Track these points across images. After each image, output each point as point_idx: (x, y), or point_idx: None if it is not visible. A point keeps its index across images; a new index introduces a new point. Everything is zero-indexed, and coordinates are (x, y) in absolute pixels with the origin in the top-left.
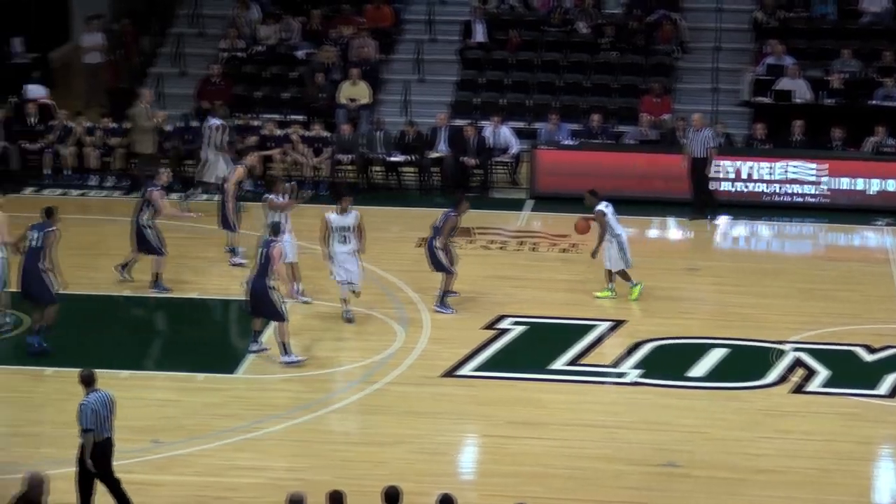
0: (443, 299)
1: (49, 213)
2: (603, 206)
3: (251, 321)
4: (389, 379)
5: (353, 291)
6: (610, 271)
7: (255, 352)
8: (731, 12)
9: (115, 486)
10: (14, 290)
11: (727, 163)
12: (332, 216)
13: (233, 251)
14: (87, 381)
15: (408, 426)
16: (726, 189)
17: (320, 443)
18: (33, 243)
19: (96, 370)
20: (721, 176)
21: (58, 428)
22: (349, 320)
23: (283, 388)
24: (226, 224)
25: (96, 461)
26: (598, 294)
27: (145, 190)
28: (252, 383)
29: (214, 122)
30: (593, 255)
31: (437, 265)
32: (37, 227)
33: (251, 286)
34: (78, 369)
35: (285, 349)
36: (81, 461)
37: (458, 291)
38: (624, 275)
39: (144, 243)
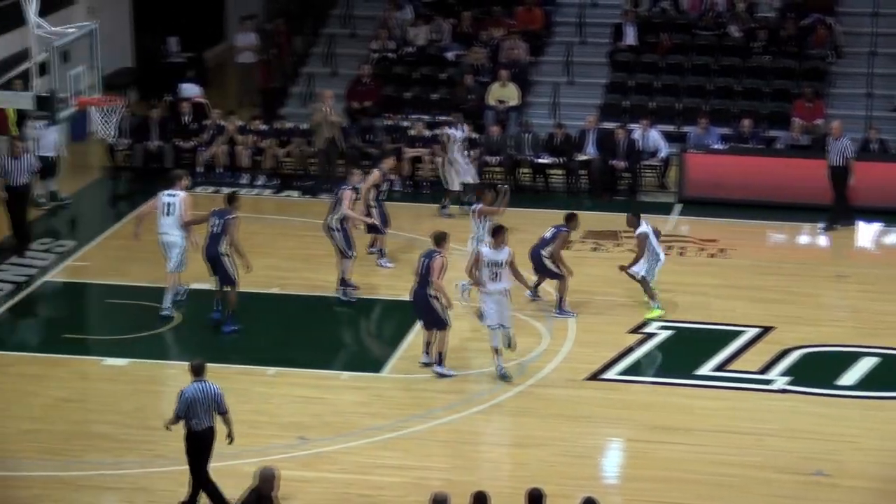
0: (561, 304)
1: (231, 199)
2: (644, 227)
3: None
4: (534, 381)
5: (509, 343)
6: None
7: (425, 364)
8: (888, 16)
9: (197, 478)
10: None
11: None
12: (485, 250)
13: (380, 252)
14: (195, 371)
15: (552, 429)
16: None
17: (464, 443)
18: (214, 229)
19: (243, 366)
20: None
21: None
22: (504, 377)
23: (428, 389)
24: (371, 227)
25: (192, 450)
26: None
27: (338, 190)
28: (397, 383)
29: (452, 131)
30: (624, 270)
31: (546, 273)
32: (218, 214)
33: (413, 295)
34: (230, 365)
35: (441, 359)
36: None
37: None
38: (645, 284)
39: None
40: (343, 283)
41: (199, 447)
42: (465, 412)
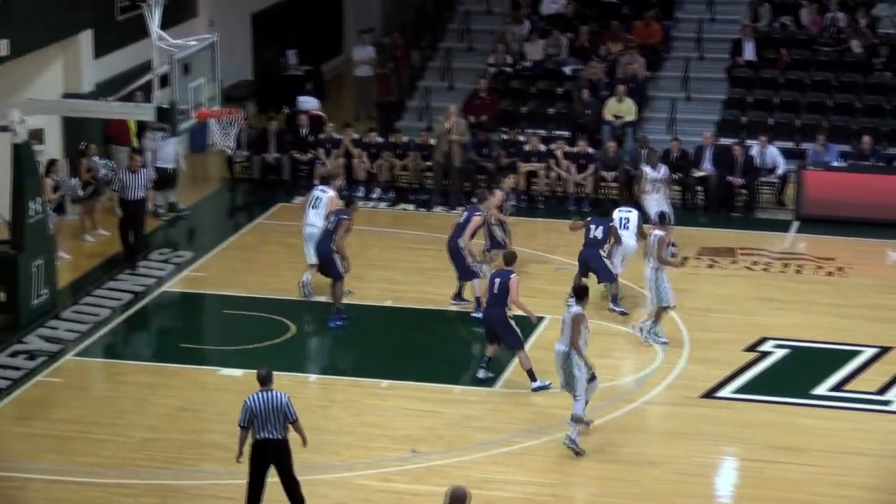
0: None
1: (348, 202)
2: (616, 212)
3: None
4: (647, 398)
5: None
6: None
7: (481, 378)
8: None
9: (290, 488)
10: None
11: None
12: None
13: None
14: (260, 380)
15: (664, 446)
16: None
17: (576, 459)
18: (329, 226)
19: (356, 378)
20: None
21: (320, 434)
22: (574, 451)
23: (540, 404)
24: (495, 244)
25: (255, 460)
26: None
27: (469, 212)
28: (509, 397)
29: (646, 168)
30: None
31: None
32: (336, 213)
33: (487, 315)
34: (343, 377)
35: (531, 375)
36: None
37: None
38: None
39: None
40: (477, 301)
41: (263, 459)
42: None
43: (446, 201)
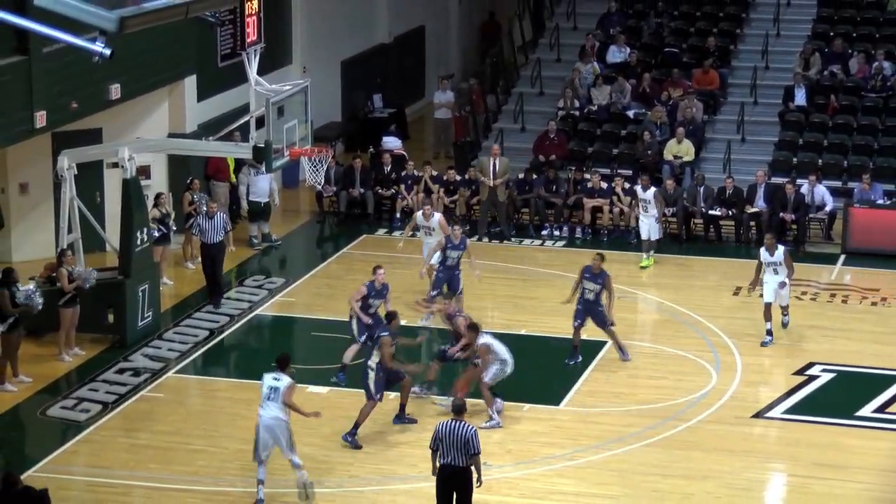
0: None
1: (389, 317)
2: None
3: None
4: (702, 417)
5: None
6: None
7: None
8: None
9: None
10: None
11: None
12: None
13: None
14: (454, 410)
15: (717, 462)
16: None
17: (635, 473)
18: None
19: (433, 396)
20: None
21: (400, 447)
22: None
23: (603, 422)
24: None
25: (440, 483)
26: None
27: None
28: (574, 415)
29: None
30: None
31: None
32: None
33: None
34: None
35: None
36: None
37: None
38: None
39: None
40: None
41: (446, 483)
42: (637, 444)
43: (495, 234)
